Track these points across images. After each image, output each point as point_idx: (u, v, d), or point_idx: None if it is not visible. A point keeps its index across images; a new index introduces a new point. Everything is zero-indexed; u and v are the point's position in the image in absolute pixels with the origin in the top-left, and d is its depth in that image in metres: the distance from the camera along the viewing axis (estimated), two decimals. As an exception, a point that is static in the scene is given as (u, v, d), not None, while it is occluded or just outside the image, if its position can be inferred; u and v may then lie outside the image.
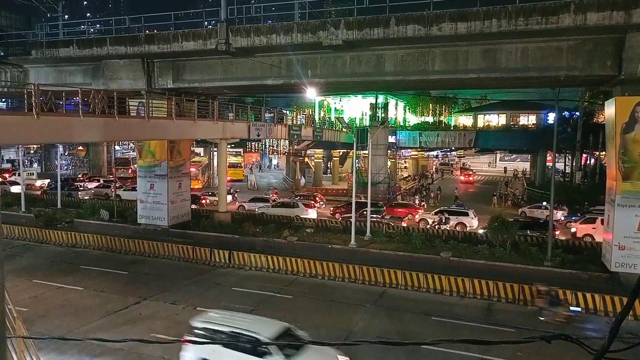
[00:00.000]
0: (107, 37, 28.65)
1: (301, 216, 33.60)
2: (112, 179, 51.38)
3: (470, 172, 73.10)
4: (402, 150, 63.13)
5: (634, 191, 21.49)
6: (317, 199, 41.33)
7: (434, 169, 79.21)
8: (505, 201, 44.73)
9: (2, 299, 9.72)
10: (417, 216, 35.39)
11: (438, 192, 48.32)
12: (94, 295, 20.68)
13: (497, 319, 18.71)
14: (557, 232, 28.77)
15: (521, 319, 18.65)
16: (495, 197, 44.67)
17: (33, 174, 58.14)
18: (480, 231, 29.66)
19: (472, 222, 32.84)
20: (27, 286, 21.58)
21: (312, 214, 35.50)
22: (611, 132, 22.48)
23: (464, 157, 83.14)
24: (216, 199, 43.02)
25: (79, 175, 56.35)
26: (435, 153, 74.34)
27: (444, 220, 32.30)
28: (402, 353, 15.06)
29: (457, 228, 31.33)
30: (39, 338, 14.48)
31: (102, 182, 50.46)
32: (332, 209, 38.43)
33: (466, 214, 33.46)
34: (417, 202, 42.22)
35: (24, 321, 11.25)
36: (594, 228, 28.55)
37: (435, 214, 33.82)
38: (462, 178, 70.18)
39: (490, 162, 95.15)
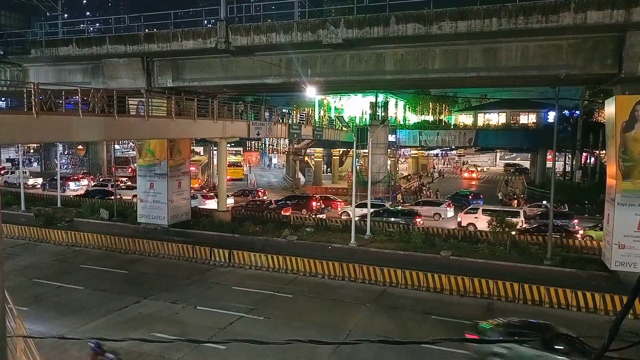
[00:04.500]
0: (107, 36, 28.62)
1: (199, 206, 37.23)
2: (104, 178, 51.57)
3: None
4: (402, 149, 63.21)
5: (634, 190, 21.49)
6: (260, 194, 45.68)
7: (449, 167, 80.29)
8: (510, 200, 44.30)
9: (2, 299, 9.72)
10: (339, 209, 38.06)
11: (433, 191, 48.52)
12: (94, 295, 20.68)
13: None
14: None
15: (521, 317, 18.63)
16: (515, 201, 43.50)
17: (26, 173, 58.10)
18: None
19: None
20: (27, 285, 21.58)
21: (210, 204, 38.44)
22: (611, 131, 22.48)
23: (463, 155, 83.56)
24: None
25: (79, 175, 56.29)
26: (435, 152, 74.46)
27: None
28: (402, 352, 15.06)
29: None
30: (39, 337, 14.48)
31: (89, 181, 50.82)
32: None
33: (384, 207, 36.18)
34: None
35: (24, 320, 11.25)
36: (476, 217, 32.46)
37: (357, 206, 35.29)
38: (465, 175, 72.68)
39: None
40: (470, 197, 43.27)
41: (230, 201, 40.33)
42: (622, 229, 21.66)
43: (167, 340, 15.53)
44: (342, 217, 34.59)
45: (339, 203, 40.08)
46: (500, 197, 45.30)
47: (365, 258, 24.56)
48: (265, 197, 43.86)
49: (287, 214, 35.18)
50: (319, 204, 39.29)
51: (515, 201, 43.33)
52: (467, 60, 23.56)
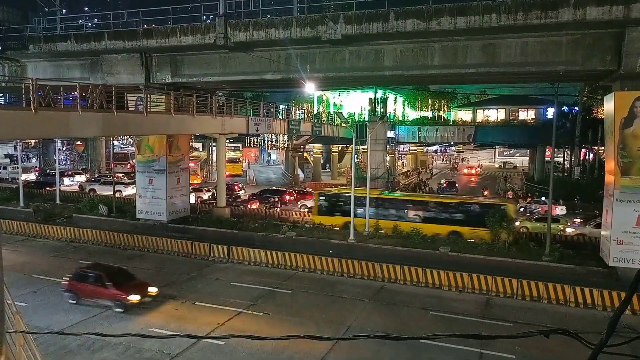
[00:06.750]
0: (105, 32, 28.51)
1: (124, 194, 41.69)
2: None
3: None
4: (401, 145, 63.17)
5: (633, 186, 21.51)
6: (236, 188, 46.42)
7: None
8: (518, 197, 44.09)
9: (1, 294, 9.72)
10: (299, 203, 39.38)
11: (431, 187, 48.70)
12: (93, 290, 20.66)
13: (495, 314, 18.77)
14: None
15: (519, 313, 18.72)
16: (528, 199, 43.22)
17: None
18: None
19: None
20: (27, 281, 21.59)
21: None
22: (610, 127, 22.47)
23: (462, 152, 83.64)
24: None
25: (75, 170, 56.21)
26: (434, 148, 74.51)
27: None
28: (400, 347, 15.12)
29: None
30: (39, 333, 14.51)
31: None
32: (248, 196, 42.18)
33: None
34: None
35: (23, 316, 11.24)
36: None
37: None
38: (465, 171, 73.10)
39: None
40: (444, 185, 44.37)
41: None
42: (620, 225, 21.69)
43: (166, 336, 15.56)
44: (301, 209, 36.80)
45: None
46: (501, 194, 45.31)
47: (364, 254, 24.57)
48: (242, 192, 44.46)
49: (254, 207, 36.90)
50: (292, 197, 41.08)
51: (528, 199, 43.23)
52: (466, 56, 23.53)
